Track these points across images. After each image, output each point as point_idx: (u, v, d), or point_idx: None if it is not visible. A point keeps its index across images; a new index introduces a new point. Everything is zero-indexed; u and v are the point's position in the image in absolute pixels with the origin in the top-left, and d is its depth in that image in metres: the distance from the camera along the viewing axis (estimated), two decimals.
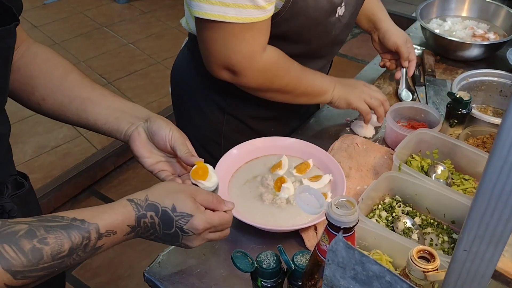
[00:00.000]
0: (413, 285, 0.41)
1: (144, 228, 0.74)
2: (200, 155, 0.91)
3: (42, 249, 0.62)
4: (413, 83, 1.47)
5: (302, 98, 1.17)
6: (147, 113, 0.92)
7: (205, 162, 0.88)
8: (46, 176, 2.55)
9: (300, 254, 0.80)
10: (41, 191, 2.42)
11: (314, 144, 1.15)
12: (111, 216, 0.70)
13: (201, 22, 0.99)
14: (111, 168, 2.70)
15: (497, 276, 0.55)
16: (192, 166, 0.87)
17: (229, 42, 0.98)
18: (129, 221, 0.72)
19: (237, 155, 1.11)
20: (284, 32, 1.07)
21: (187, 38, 1.29)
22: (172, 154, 0.91)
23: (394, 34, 1.37)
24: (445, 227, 1.00)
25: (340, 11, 1.10)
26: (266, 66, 1.05)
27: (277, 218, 0.99)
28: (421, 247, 0.72)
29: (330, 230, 0.65)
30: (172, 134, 0.88)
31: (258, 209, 1.01)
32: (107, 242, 0.70)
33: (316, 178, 1.08)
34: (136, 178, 2.70)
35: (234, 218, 0.98)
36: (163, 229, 0.75)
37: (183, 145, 0.88)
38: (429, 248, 0.71)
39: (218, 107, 1.24)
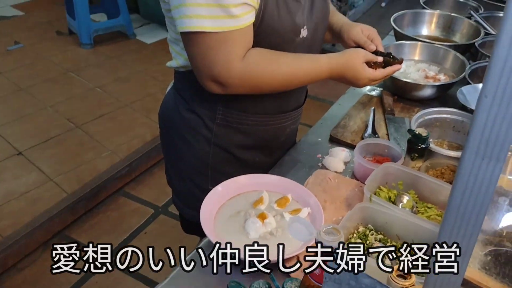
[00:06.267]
0: None
1: None
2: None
3: None
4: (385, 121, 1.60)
5: (300, 87, 1.30)
6: None
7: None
8: (16, 222, 2.51)
9: (290, 281, 0.88)
10: (11, 238, 2.39)
11: (291, 179, 1.24)
12: None
13: (186, 38, 1.10)
14: (81, 212, 2.69)
15: (465, 283, 0.65)
16: None
17: (207, 53, 1.09)
18: None
19: (222, 192, 1.19)
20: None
21: (172, 81, 1.39)
22: None
23: (352, 25, 1.40)
24: None
25: (304, 32, 1.21)
26: (246, 74, 1.12)
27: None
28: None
29: None
30: None
31: (244, 242, 1.08)
32: None
33: (296, 211, 1.16)
34: (107, 222, 2.69)
35: None
36: None
37: None
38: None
39: (204, 139, 1.32)
